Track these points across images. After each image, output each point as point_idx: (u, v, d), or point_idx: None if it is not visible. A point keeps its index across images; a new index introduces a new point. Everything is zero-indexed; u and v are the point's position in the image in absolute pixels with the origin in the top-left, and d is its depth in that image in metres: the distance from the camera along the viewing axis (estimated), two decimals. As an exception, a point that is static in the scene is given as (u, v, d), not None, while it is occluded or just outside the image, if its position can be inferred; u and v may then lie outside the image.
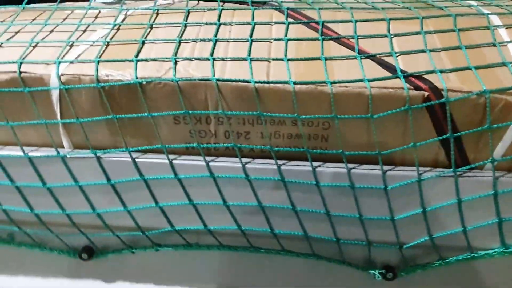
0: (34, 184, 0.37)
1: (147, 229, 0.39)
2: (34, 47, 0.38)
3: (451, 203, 0.35)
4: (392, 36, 0.37)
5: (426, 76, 0.33)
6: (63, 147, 0.38)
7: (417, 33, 0.37)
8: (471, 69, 0.33)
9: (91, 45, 0.37)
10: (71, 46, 0.37)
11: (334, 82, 0.33)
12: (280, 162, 0.35)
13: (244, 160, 0.36)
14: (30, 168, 0.37)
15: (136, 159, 0.36)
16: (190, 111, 0.34)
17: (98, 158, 0.36)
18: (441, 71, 0.33)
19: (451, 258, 0.38)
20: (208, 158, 0.36)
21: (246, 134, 0.36)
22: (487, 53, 0.35)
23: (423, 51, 0.35)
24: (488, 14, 0.39)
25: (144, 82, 0.34)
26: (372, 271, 0.39)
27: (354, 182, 0.35)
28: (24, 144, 0.37)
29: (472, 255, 0.37)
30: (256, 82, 0.33)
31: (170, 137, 0.36)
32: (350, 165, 0.35)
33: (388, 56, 0.35)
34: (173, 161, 0.36)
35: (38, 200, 0.38)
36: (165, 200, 0.37)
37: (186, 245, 0.40)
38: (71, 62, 0.35)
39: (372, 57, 0.35)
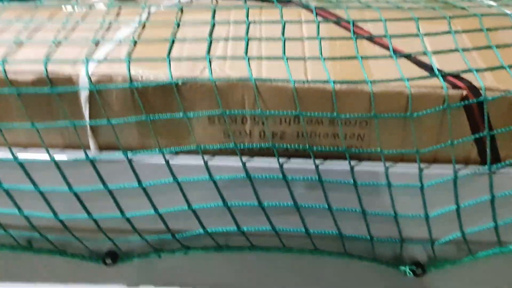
0: (60, 189, 0.35)
1: (177, 231, 0.38)
2: (57, 45, 0.36)
3: (484, 200, 0.36)
4: (423, 35, 0.37)
5: (462, 75, 0.34)
6: (88, 148, 0.36)
7: (447, 32, 0.38)
8: (505, 68, 0.34)
9: (118, 44, 0.36)
10: (97, 44, 0.36)
11: (375, 82, 0.33)
12: (317, 161, 0.35)
13: (281, 160, 0.35)
14: (55, 172, 0.35)
15: (170, 161, 0.35)
16: (227, 111, 0.34)
17: (130, 160, 0.35)
18: (477, 70, 0.34)
19: (480, 252, 0.39)
20: (243, 159, 0.35)
21: (282, 134, 0.35)
22: (516, 52, 0.36)
23: (455, 50, 0.36)
24: (511, 14, 0.40)
25: (180, 83, 0.33)
26: (402, 268, 0.40)
27: (391, 180, 0.35)
28: (47, 145, 0.35)
29: (501, 249, 0.38)
30: (296, 82, 0.33)
31: (204, 138, 0.36)
32: (387, 164, 0.35)
33: (422, 55, 0.36)
34: (208, 162, 0.35)
35: (63, 205, 0.37)
36: (198, 202, 0.36)
37: (216, 247, 0.39)
38: (101, 61, 0.34)
39: (407, 57, 0.35)
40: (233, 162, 0.35)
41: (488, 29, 0.38)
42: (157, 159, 0.35)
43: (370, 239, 0.38)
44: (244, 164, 0.35)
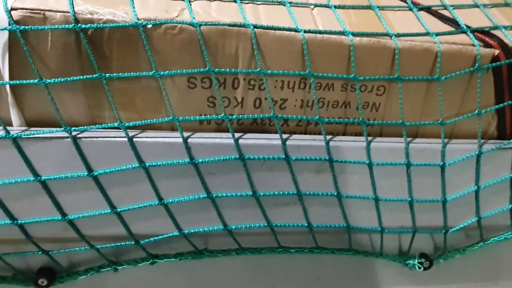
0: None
1: (142, 236, 0.28)
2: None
3: (505, 179, 0.31)
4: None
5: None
6: (11, 124, 0.25)
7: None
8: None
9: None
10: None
11: (399, 35, 0.27)
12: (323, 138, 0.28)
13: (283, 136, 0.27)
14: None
15: (134, 139, 0.25)
16: (216, 69, 0.25)
17: (75, 139, 0.25)
18: (505, 28, 0.29)
19: (492, 238, 0.35)
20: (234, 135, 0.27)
21: (282, 103, 0.28)
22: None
23: (475, 6, 0.31)
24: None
25: (150, 25, 0.24)
26: (410, 261, 0.34)
27: (411, 159, 0.29)
28: None
29: (514, 233, 0.34)
30: (306, 32, 0.25)
31: (180, 107, 0.26)
32: (407, 139, 0.29)
33: (443, 9, 0.30)
34: (188, 140, 0.26)
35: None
36: (172, 194, 0.27)
37: (194, 253, 0.30)
38: (28, -7, 0.23)
39: (427, 9, 0.30)
40: (220, 139, 0.27)
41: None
42: (118, 136, 0.25)
43: (380, 230, 0.31)
44: (236, 141, 0.26)
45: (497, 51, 0.28)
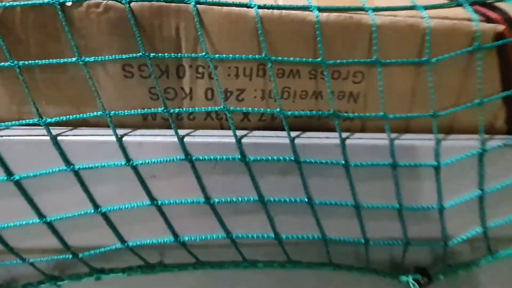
0: None
1: (80, 249, 0.25)
2: None
3: (514, 182, 0.26)
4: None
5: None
6: None
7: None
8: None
9: None
10: None
11: (377, 9, 0.22)
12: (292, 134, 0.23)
13: (238, 133, 0.23)
14: None
15: (59, 138, 0.22)
16: (152, 54, 0.21)
17: (-11, 138, 0.21)
18: (512, -1, 0.24)
19: (502, 251, 0.29)
20: (181, 132, 0.23)
21: (239, 94, 0.23)
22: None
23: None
24: None
25: (69, 3, 0.20)
26: (404, 278, 0.29)
27: (397, 158, 0.24)
28: None
29: (530, 246, 0.29)
30: (260, 7, 0.21)
31: (118, 100, 0.23)
32: (392, 135, 0.24)
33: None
34: (124, 139, 0.22)
35: None
36: (110, 201, 0.23)
37: (146, 267, 0.26)
38: None
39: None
40: (163, 137, 0.23)
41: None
42: (40, 135, 0.22)
43: (364, 243, 0.27)
44: (181, 139, 0.22)
45: (501, 27, 0.23)
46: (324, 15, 0.21)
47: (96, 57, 0.21)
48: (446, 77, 0.24)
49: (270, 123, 0.25)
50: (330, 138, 0.24)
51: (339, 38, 0.22)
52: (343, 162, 0.24)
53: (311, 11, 0.21)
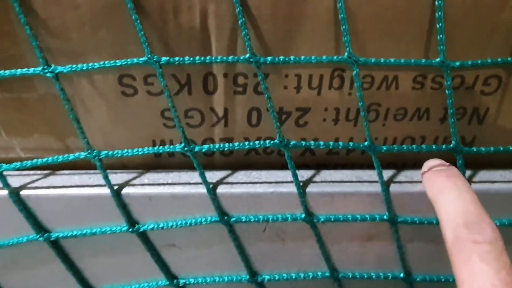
0: None
1: None
2: None
3: None
4: None
5: None
6: None
7: None
8: None
9: None
10: None
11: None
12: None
13: (300, 175, 0.15)
14: None
15: (23, 192, 0.14)
16: (163, 58, 0.13)
17: None
18: None
19: None
20: (212, 178, 0.15)
21: (300, 116, 0.15)
22: None
23: None
24: None
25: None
26: None
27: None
28: None
29: None
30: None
31: (112, 131, 0.15)
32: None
33: None
34: (124, 191, 0.14)
35: None
36: (107, 281, 0.16)
37: None
38: None
39: None
40: (186, 187, 0.15)
41: None
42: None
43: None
44: (211, 191, 0.14)
45: None
46: (448, -15, 0.13)
47: (74, 65, 0.13)
48: None
49: (345, 158, 0.16)
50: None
51: (471, 20, 0.13)
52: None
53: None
